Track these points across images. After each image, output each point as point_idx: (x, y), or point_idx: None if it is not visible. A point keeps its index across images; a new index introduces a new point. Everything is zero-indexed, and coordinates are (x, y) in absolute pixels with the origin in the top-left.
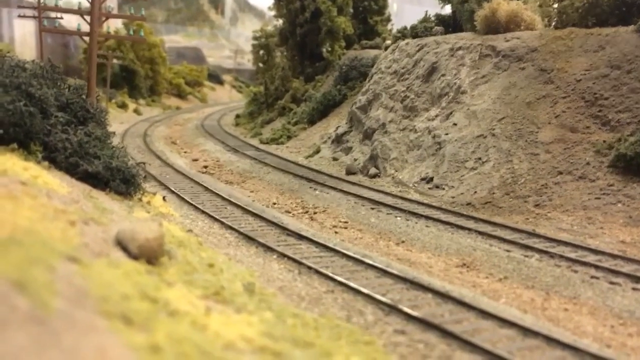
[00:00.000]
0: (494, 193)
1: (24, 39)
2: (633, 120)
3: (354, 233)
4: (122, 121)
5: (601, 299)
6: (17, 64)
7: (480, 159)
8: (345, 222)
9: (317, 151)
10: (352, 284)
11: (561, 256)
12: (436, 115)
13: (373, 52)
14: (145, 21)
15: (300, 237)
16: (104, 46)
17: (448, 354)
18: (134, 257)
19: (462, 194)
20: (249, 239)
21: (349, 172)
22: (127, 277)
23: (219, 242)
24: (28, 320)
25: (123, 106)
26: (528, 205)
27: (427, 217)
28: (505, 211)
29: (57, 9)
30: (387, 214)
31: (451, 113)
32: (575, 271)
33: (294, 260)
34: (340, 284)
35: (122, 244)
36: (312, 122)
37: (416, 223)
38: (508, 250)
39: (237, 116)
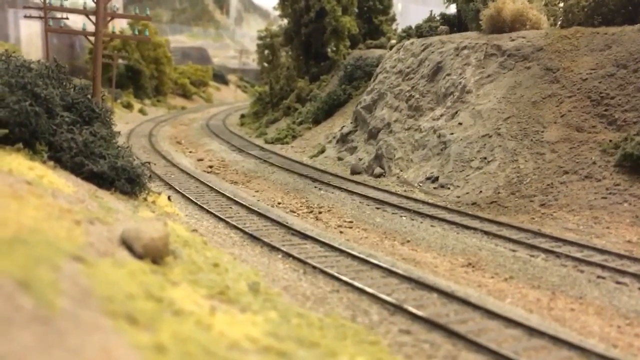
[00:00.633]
0: (499, 193)
1: (30, 39)
2: (639, 119)
3: (359, 233)
4: (127, 121)
5: (607, 299)
6: (23, 64)
7: (485, 158)
8: (350, 222)
9: (322, 151)
10: (357, 284)
11: (567, 256)
12: (441, 115)
13: (378, 52)
14: (151, 21)
15: (305, 236)
16: (109, 46)
17: (454, 354)
18: (139, 256)
19: (467, 193)
20: (254, 238)
21: (354, 172)
22: (132, 277)
23: (224, 241)
24: (33, 320)
25: (128, 106)
26: (534, 205)
27: (433, 217)
28: (511, 211)
29: (62, 9)
30: (392, 213)
31: (456, 112)
32: (582, 271)
33: (299, 260)
34: (346, 283)
35: (127, 244)
36: (317, 121)
37: (421, 223)
38: (514, 250)
39: (242, 116)
